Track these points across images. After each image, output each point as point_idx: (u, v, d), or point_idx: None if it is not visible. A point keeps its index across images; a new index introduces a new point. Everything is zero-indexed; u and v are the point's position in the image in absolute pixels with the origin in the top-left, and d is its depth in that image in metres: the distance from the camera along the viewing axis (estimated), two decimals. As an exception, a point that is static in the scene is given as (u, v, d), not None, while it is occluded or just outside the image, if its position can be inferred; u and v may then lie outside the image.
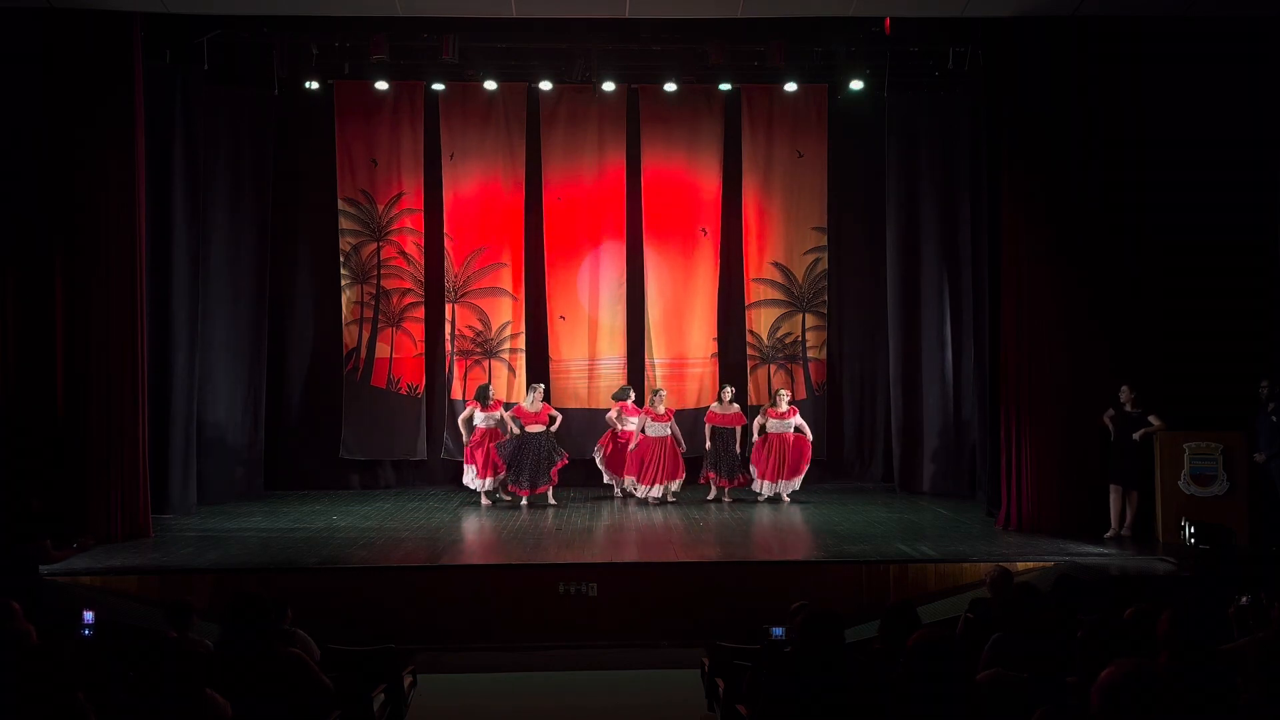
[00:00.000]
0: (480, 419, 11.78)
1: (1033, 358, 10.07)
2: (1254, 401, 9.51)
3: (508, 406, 12.16)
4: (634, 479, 11.78)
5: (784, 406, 11.86)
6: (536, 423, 11.54)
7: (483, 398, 11.86)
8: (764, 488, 11.79)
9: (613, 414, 12.09)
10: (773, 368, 13.26)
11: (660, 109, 13.04)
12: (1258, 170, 10.10)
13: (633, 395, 12.20)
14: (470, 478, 11.82)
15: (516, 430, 11.53)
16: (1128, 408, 9.70)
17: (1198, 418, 9.76)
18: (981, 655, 4.55)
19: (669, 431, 11.79)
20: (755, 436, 11.86)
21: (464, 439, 11.86)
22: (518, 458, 11.41)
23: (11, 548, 6.96)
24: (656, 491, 11.68)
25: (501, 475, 11.66)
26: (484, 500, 11.77)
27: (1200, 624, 3.77)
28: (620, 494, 12.00)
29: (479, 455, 11.69)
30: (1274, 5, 9.71)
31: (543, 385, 12.04)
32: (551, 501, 11.59)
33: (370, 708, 5.48)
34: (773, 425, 11.79)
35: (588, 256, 13.23)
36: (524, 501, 11.46)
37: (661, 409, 11.87)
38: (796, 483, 11.84)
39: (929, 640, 3.86)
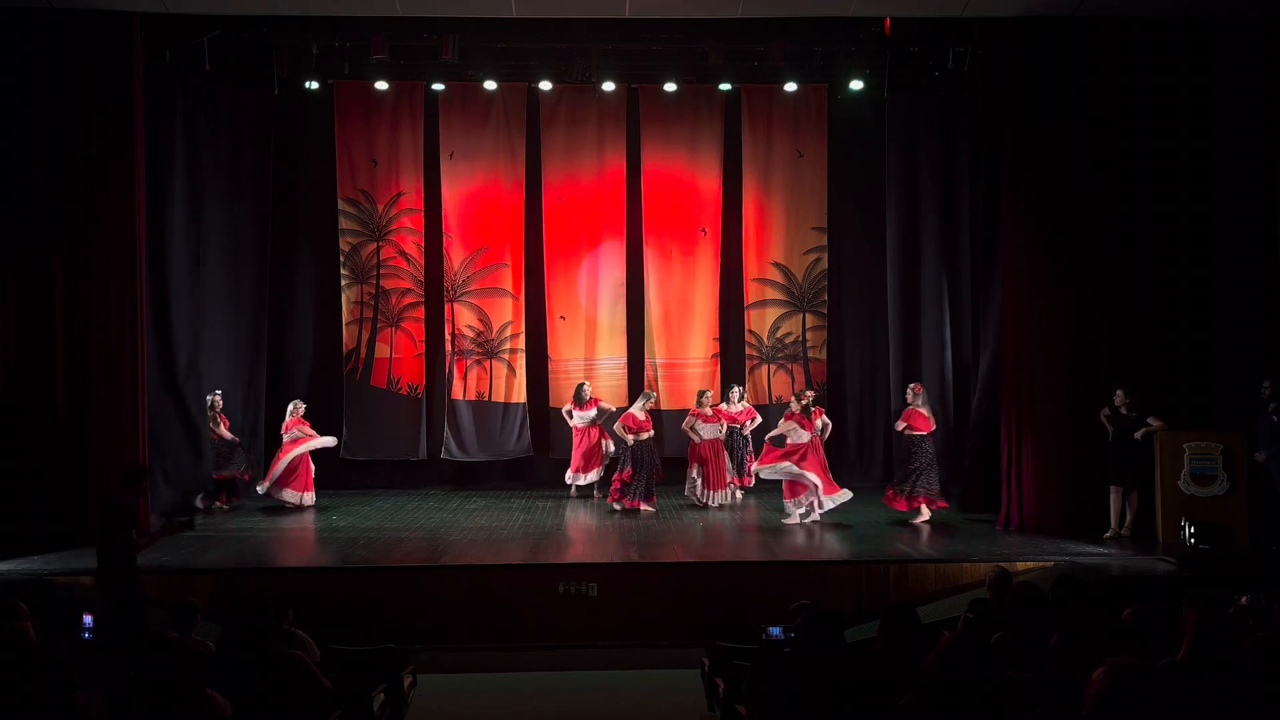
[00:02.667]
0: (578, 418, 12.03)
1: (1033, 357, 10.07)
2: (1255, 401, 9.51)
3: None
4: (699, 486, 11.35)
5: (796, 407, 11.03)
6: (644, 430, 11.15)
7: (578, 397, 12.10)
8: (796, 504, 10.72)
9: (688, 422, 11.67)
10: (772, 368, 13.26)
11: (660, 109, 13.04)
12: (1257, 169, 10.10)
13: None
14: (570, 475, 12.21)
15: (628, 439, 11.10)
16: (1123, 410, 9.69)
17: (1198, 417, 9.76)
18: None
19: (720, 432, 11.36)
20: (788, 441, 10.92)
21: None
22: (636, 468, 11.03)
23: (107, 545, 6.99)
24: (723, 497, 11.30)
25: (594, 473, 12.04)
26: (573, 493, 12.21)
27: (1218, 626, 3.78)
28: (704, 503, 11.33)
29: (575, 452, 12.11)
30: (1274, 5, 9.72)
31: (655, 394, 11.79)
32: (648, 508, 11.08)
33: (370, 708, 5.49)
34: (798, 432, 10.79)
35: (588, 256, 13.24)
36: (618, 508, 11.07)
37: (709, 409, 11.32)
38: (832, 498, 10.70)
39: (963, 638, 3.88)
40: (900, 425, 10.59)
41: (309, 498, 11.46)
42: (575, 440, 12.20)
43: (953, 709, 3.78)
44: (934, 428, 10.56)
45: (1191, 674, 3.54)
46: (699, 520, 10.79)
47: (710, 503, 11.25)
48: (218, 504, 11.46)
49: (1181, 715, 3.20)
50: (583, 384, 12.31)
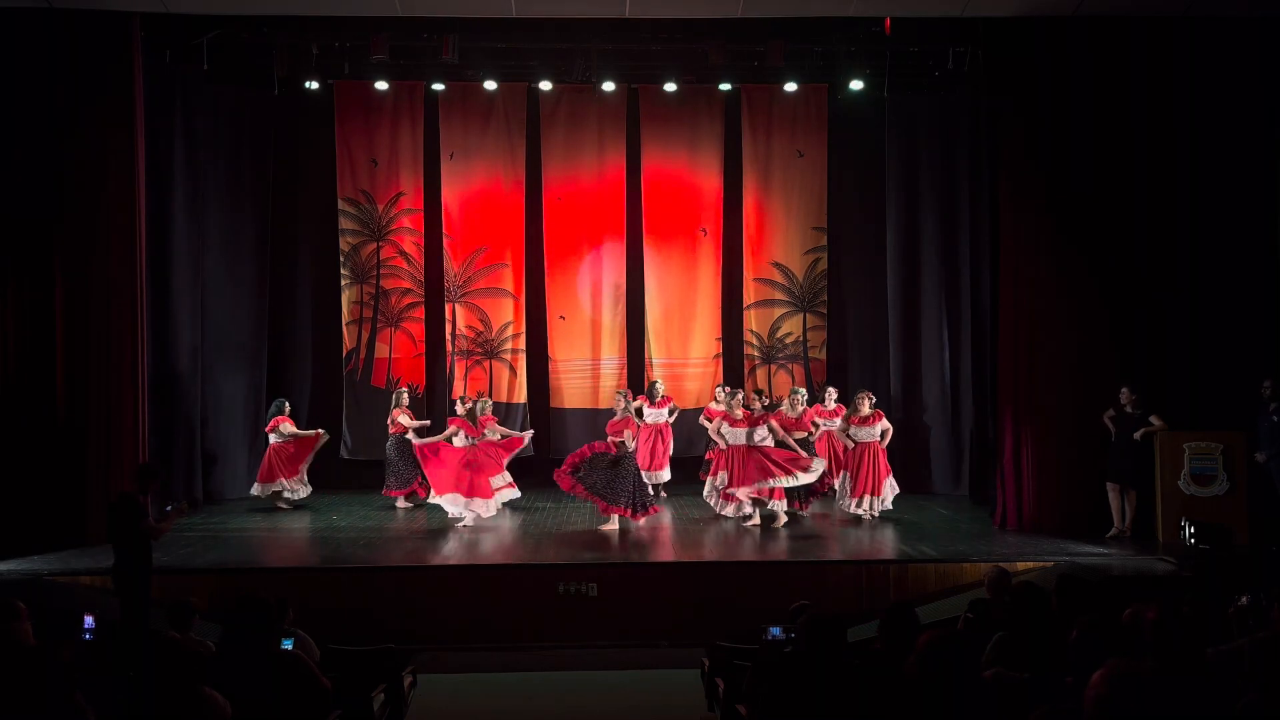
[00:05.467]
0: (649, 415, 11.85)
1: (1032, 357, 10.07)
2: (1255, 401, 9.51)
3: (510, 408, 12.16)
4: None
5: (867, 410, 10.58)
6: (799, 430, 10.45)
7: (652, 394, 11.99)
8: (854, 505, 10.50)
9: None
10: (773, 368, 13.27)
11: (660, 109, 13.04)
12: (1258, 169, 10.10)
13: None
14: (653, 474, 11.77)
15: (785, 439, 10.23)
16: (1128, 409, 9.70)
17: (1198, 417, 9.76)
18: (983, 654, 4.55)
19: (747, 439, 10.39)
20: (848, 445, 10.66)
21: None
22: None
23: (126, 536, 7.02)
24: (744, 508, 10.40)
25: (665, 472, 11.79)
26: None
27: (1192, 624, 3.77)
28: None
29: (643, 448, 11.47)
30: (1274, 5, 9.72)
31: (804, 391, 11.04)
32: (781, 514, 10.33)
33: (370, 708, 5.49)
34: (858, 433, 10.54)
35: (588, 256, 13.24)
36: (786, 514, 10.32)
37: (739, 413, 10.45)
38: (887, 499, 10.59)
39: (942, 638, 3.88)
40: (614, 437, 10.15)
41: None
42: (642, 437, 11.75)
43: (934, 709, 3.78)
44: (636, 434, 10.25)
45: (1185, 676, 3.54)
46: (700, 520, 10.75)
47: (728, 512, 10.44)
48: (400, 505, 11.34)
49: (1182, 716, 3.20)
50: (655, 382, 12.31)
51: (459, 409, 11.12)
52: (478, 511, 10.33)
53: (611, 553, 9.24)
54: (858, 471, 10.51)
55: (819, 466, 10.18)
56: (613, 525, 10.04)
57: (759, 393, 11.68)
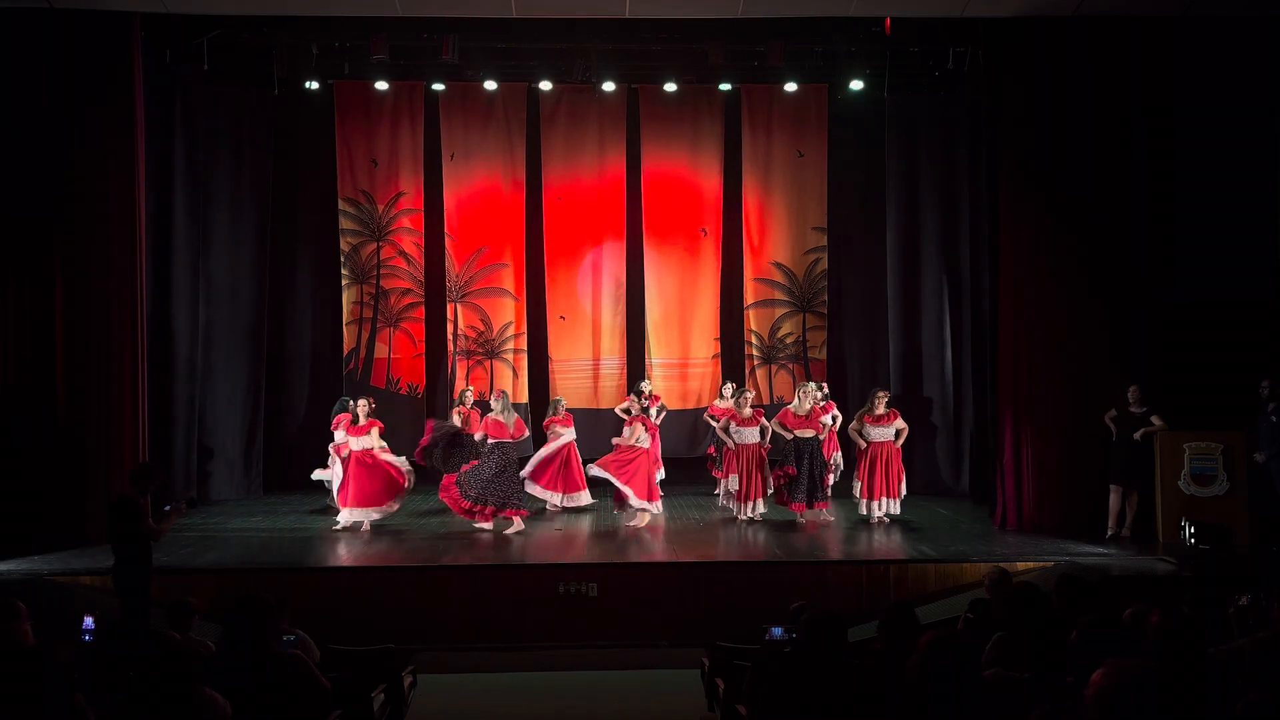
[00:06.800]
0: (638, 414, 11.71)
1: (1032, 357, 10.08)
2: (1254, 401, 9.51)
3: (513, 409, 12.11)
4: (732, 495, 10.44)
5: (882, 409, 10.40)
6: (808, 428, 10.26)
7: (639, 394, 11.84)
8: (872, 508, 10.33)
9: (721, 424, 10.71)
10: (773, 368, 13.27)
11: (660, 109, 13.04)
12: (1257, 169, 10.11)
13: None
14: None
15: (786, 436, 10.25)
16: (1133, 408, 9.69)
17: (1198, 417, 9.76)
18: (983, 654, 4.55)
19: (758, 438, 10.32)
20: (860, 445, 10.44)
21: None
22: (800, 468, 10.15)
23: (125, 537, 7.03)
24: (756, 508, 10.29)
25: (659, 472, 11.44)
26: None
27: (1192, 624, 3.77)
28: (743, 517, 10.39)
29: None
30: (1273, 5, 9.72)
31: (811, 384, 10.92)
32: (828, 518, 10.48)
33: (370, 708, 5.49)
34: (874, 433, 10.36)
35: (588, 256, 13.25)
36: (802, 518, 10.32)
37: (747, 411, 10.38)
38: (898, 501, 10.45)
39: (943, 638, 3.88)
40: (478, 434, 10.09)
41: (556, 498, 11.04)
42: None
43: (935, 710, 3.78)
44: (515, 435, 10.15)
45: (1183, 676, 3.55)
46: (699, 520, 10.77)
47: (741, 515, 10.31)
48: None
49: (1182, 716, 3.20)
50: (644, 381, 12.21)
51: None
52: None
53: (612, 553, 9.25)
54: (870, 473, 10.33)
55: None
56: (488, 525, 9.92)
57: (638, 393, 11.63)
